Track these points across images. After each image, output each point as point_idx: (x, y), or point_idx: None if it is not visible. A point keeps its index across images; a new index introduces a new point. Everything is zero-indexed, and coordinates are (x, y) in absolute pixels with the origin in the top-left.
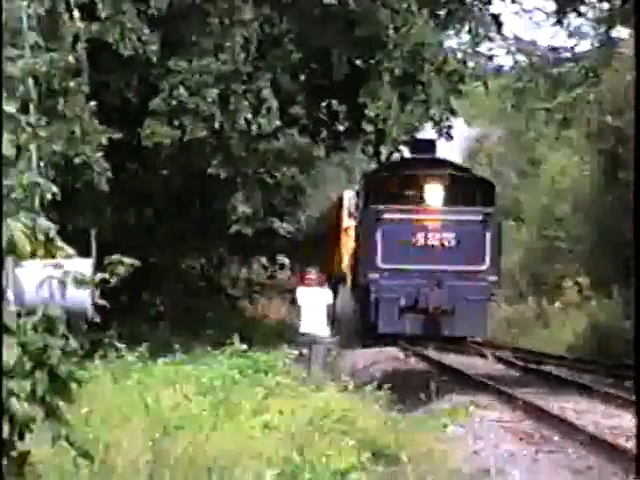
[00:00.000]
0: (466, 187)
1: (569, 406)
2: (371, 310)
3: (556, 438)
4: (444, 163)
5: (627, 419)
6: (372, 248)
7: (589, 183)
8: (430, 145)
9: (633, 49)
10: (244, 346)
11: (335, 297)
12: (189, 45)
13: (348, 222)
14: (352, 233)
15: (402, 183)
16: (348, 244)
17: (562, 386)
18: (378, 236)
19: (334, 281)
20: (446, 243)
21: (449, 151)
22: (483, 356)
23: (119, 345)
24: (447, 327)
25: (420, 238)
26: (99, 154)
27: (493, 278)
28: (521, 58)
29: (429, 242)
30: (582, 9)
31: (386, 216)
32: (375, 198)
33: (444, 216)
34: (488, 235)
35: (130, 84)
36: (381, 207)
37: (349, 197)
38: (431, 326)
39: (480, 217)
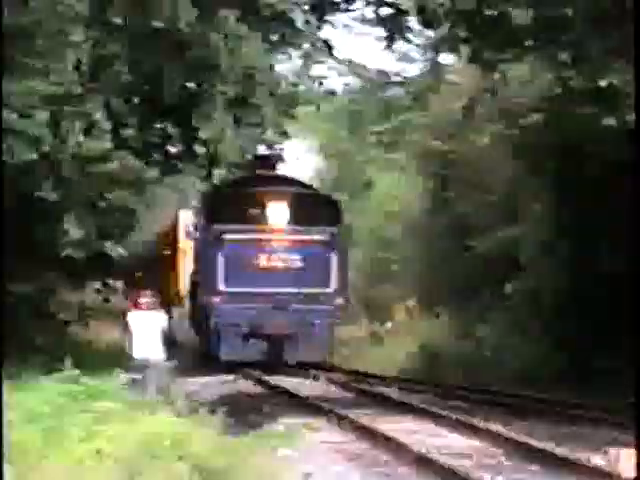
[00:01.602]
0: (311, 205)
1: (399, 426)
2: (212, 336)
3: (385, 458)
4: (288, 180)
5: (454, 438)
6: (213, 270)
7: (417, 205)
8: (271, 161)
9: (633, 49)
10: (75, 371)
11: (170, 321)
12: (17, 66)
13: (184, 243)
14: (189, 254)
15: (244, 201)
16: (185, 265)
17: (392, 407)
18: (219, 257)
19: (170, 304)
20: (291, 264)
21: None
22: (315, 378)
23: None
24: (292, 353)
25: (263, 259)
26: None
27: (339, 301)
28: (353, 81)
29: (273, 263)
30: (410, 36)
31: (228, 236)
32: (216, 217)
33: (288, 236)
34: (334, 255)
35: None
36: (222, 227)
37: (185, 217)
38: (275, 352)
39: (326, 237)
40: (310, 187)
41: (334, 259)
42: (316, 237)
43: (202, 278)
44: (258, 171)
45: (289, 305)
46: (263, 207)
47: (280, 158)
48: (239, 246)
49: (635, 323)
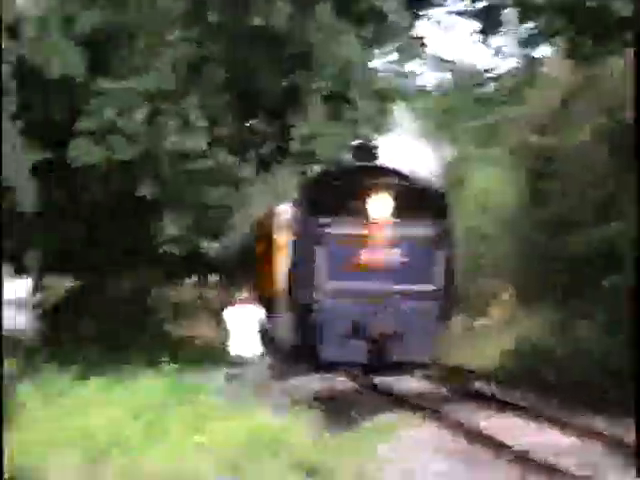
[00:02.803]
0: (416, 198)
1: (496, 423)
2: (313, 335)
3: (485, 456)
4: (393, 172)
5: (554, 436)
6: (314, 265)
7: (514, 200)
8: (373, 152)
9: (633, 49)
10: (175, 366)
11: (270, 318)
12: (117, 65)
13: (283, 238)
14: (287, 249)
15: (347, 193)
16: (282, 261)
17: (490, 403)
18: (321, 253)
19: (268, 301)
20: (395, 260)
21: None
22: (411, 374)
23: (50, 366)
24: (395, 353)
25: (367, 255)
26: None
27: (446, 299)
28: (447, 76)
29: (377, 259)
30: (505, 29)
31: (330, 231)
32: (317, 209)
33: (393, 230)
34: (439, 251)
35: (57, 104)
36: (325, 221)
37: (282, 211)
38: (379, 353)
39: (433, 232)
40: (414, 178)
41: (441, 255)
42: (422, 232)
43: (301, 273)
44: (360, 162)
45: (394, 303)
46: (366, 200)
47: (378, 150)
48: (342, 240)
49: (636, 326)
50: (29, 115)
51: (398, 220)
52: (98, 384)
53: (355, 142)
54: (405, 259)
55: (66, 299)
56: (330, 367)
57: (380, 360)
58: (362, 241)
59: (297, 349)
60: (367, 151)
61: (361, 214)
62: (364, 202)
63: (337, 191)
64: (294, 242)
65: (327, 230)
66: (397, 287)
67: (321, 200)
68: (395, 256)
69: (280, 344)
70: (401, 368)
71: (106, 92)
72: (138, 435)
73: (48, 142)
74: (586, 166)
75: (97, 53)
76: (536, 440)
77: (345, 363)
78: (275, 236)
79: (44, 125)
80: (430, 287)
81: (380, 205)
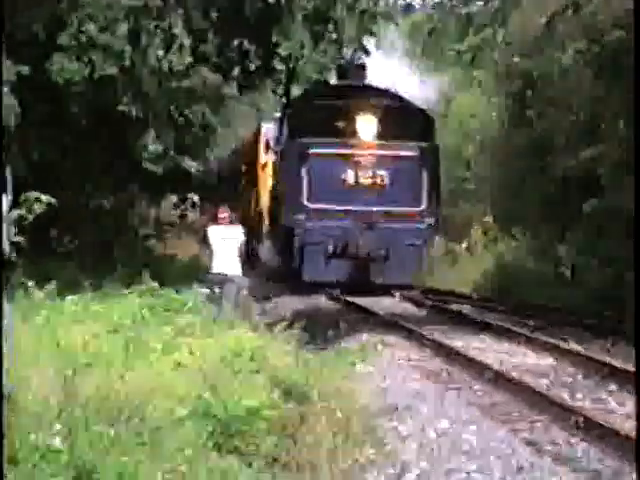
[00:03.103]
0: (403, 119)
1: (475, 344)
2: (295, 255)
3: (463, 375)
4: (378, 91)
5: (530, 356)
6: (296, 186)
7: (496, 124)
8: (361, 71)
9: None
10: (155, 284)
11: (254, 238)
12: None
13: (266, 158)
14: (270, 170)
15: (331, 113)
16: (266, 182)
17: (468, 324)
18: (303, 173)
19: (251, 222)
20: (379, 181)
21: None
22: (391, 295)
23: (27, 283)
24: (379, 274)
25: (350, 176)
26: (6, 89)
27: (430, 220)
28: None
29: (360, 180)
30: None
31: (313, 150)
32: (300, 130)
33: (377, 151)
34: (425, 173)
35: (38, 17)
36: (307, 140)
37: (267, 130)
38: (361, 273)
39: (417, 152)
40: (402, 99)
41: (425, 176)
42: (407, 152)
43: (284, 194)
44: (345, 81)
45: (377, 224)
46: (351, 119)
47: (366, 70)
48: (325, 161)
49: (635, 316)
50: (10, 28)
51: (383, 140)
52: (77, 300)
53: (342, 61)
54: (389, 180)
55: (45, 215)
56: (312, 287)
57: (363, 281)
58: (347, 162)
59: (280, 270)
60: (355, 70)
61: (346, 134)
62: (349, 122)
63: (321, 110)
64: (277, 162)
65: (310, 150)
66: (382, 208)
67: (304, 120)
68: (379, 177)
69: (264, 265)
70: (383, 290)
71: (88, 5)
72: (117, 352)
73: (29, 57)
74: (569, 88)
75: None
76: (512, 360)
77: (327, 284)
78: (259, 156)
79: (26, 39)
80: (415, 209)
81: (365, 125)
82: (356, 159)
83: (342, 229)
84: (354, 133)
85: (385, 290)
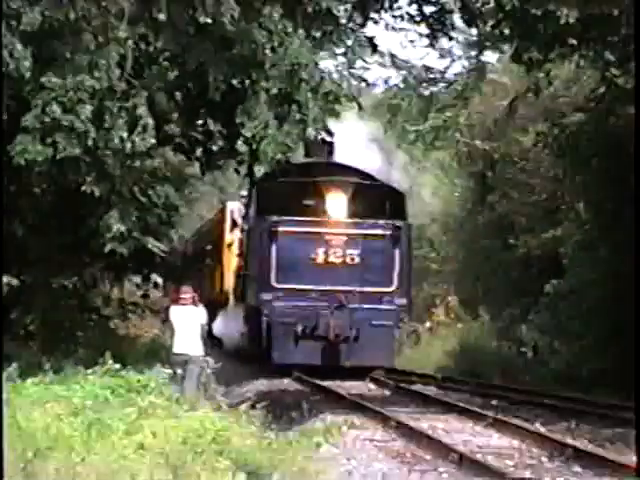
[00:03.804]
0: (373, 197)
1: (440, 425)
2: (263, 337)
3: (428, 457)
4: (347, 169)
5: (495, 437)
6: (265, 265)
7: (459, 205)
8: (328, 148)
9: (633, 48)
10: (117, 365)
11: (214, 319)
12: (63, 61)
13: (231, 236)
14: (236, 248)
15: (300, 191)
16: (232, 261)
17: (433, 405)
18: (272, 251)
19: (215, 302)
20: (350, 260)
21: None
22: (362, 379)
23: None
24: (350, 356)
25: (320, 254)
26: None
27: (402, 301)
28: (394, 74)
29: (330, 259)
30: (453, 33)
31: (282, 228)
32: (268, 207)
33: (348, 230)
34: (397, 252)
35: (1, 100)
36: (276, 218)
37: (233, 209)
38: (332, 355)
39: (389, 231)
40: (371, 177)
41: (397, 256)
42: (378, 231)
43: (252, 273)
44: (313, 159)
45: (347, 304)
46: (321, 197)
47: (334, 147)
48: (294, 239)
49: (635, 325)
50: None
51: (354, 219)
52: (38, 382)
53: (309, 140)
54: (360, 259)
55: (7, 296)
56: (281, 370)
57: (333, 363)
58: (316, 240)
59: (246, 352)
60: (322, 148)
61: (316, 212)
62: (319, 199)
63: (290, 188)
64: (244, 241)
65: (278, 228)
66: (352, 288)
67: (272, 197)
68: (350, 256)
69: (228, 347)
70: (355, 372)
71: (52, 88)
72: (79, 434)
73: None
74: (530, 169)
75: (42, 49)
76: (477, 441)
77: (297, 366)
78: (224, 235)
79: None
80: (387, 289)
81: (335, 203)
82: (326, 237)
83: (312, 309)
84: (324, 211)
85: (356, 373)
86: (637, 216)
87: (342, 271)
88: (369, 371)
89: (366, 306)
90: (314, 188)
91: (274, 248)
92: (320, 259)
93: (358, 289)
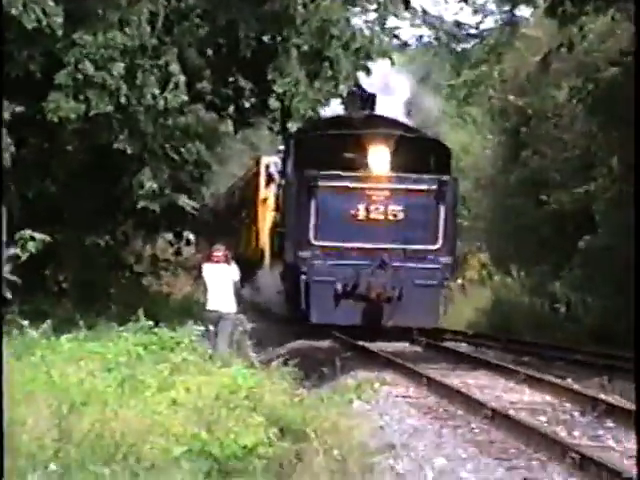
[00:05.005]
0: (417, 150)
1: (472, 382)
2: (301, 296)
3: (460, 413)
4: (390, 121)
5: (527, 394)
6: (303, 221)
7: (491, 161)
8: (370, 101)
9: (634, 46)
10: (149, 322)
11: (248, 277)
12: (95, 18)
13: (267, 192)
14: (273, 204)
15: (340, 144)
16: (267, 217)
17: (465, 362)
18: (311, 207)
19: (250, 260)
20: (392, 217)
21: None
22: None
23: (22, 321)
24: (392, 316)
25: (362, 211)
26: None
27: (447, 259)
28: (427, 32)
29: (372, 215)
30: None
31: (321, 183)
32: (307, 162)
33: (391, 185)
34: (442, 208)
35: (34, 57)
36: (315, 172)
37: (268, 163)
38: (373, 315)
39: (434, 186)
40: (416, 130)
41: (442, 212)
42: (423, 186)
43: (290, 231)
44: (355, 111)
45: (390, 262)
46: (362, 150)
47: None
48: (334, 195)
49: (635, 321)
50: (6, 67)
51: (397, 173)
52: (72, 339)
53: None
54: (404, 216)
55: (40, 253)
56: (319, 331)
57: (376, 323)
58: (358, 195)
59: (283, 312)
60: (363, 100)
61: (357, 166)
62: (360, 153)
63: (330, 141)
64: (281, 197)
65: (318, 183)
66: (395, 245)
67: (312, 151)
68: (393, 212)
69: (265, 307)
70: (399, 333)
71: (83, 45)
72: (112, 390)
73: (24, 96)
74: (563, 125)
75: (74, 6)
76: (509, 397)
77: (337, 326)
78: (260, 190)
79: (21, 78)
80: (431, 247)
81: (378, 156)
82: (368, 192)
83: (352, 267)
84: (366, 165)
85: (399, 334)
86: (637, 210)
87: (384, 228)
88: (412, 332)
89: (409, 264)
90: (355, 141)
91: (313, 204)
92: (361, 215)
93: (401, 247)
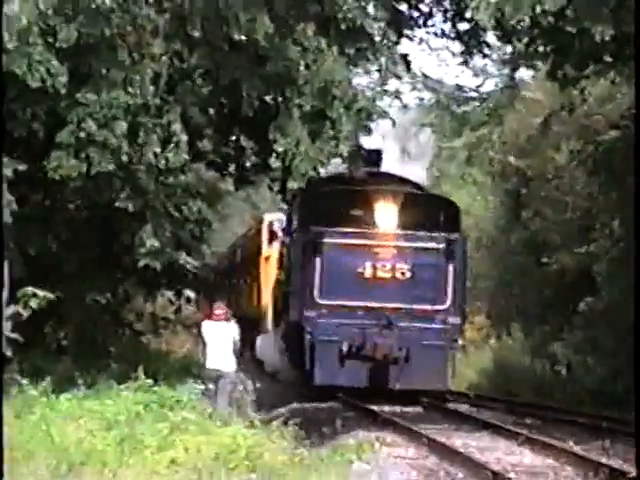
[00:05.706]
0: (425, 208)
1: (473, 443)
2: (305, 356)
3: (460, 475)
4: (397, 178)
5: (529, 456)
6: (308, 279)
7: (492, 222)
8: (376, 157)
9: (634, 53)
10: (149, 381)
11: (249, 335)
12: (98, 77)
13: (269, 250)
14: (276, 262)
15: (347, 200)
16: (269, 275)
17: (466, 423)
18: (316, 265)
19: (250, 319)
20: (400, 275)
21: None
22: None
23: (21, 380)
24: (399, 378)
25: (368, 268)
26: (4, 185)
27: (456, 320)
28: (427, 95)
29: (379, 274)
30: (487, 51)
31: (327, 240)
32: (313, 218)
33: (398, 242)
34: (451, 267)
35: (37, 115)
36: (321, 229)
37: (271, 221)
38: (380, 377)
39: (443, 245)
40: (422, 187)
41: (451, 271)
42: (431, 245)
43: (294, 289)
44: (361, 168)
45: (397, 322)
46: (369, 207)
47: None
48: (340, 252)
49: (635, 327)
50: (9, 126)
51: (405, 231)
52: (72, 397)
53: (355, 146)
54: (411, 274)
55: (41, 310)
56: (323, 393)
57: (383, 385)
58: (364, 253)
59: (286, 372)
60: (369, 157)
61: (364, 224)
62: (367, 210)
63: (336, 197)
64: (285, 254)
65: (324, 240)
66: (402, 305)
67: (317, 207)
68: (400, 271)
69: (266, 366)
70: (406, 396)
71: (87, 104)
72: (111, 449)
73: (27, 153)
74: (564, 187)
75: (78, 65)
76: (510, 459)
77: (342, 388)
78: (263, 248)
79: (24, 136)
80: (440, 306)
81: (385, 213)
82: (374, 250)
83: (358, 327)
84: (372, 222)
85: (409, 397)
86: (636, 223)
87: (391, 287)
88: (419, 395)
89: (417, 325)
90: (362, 198)
91: (318, 261)
92: (368, 273)
93: (408, 306)
